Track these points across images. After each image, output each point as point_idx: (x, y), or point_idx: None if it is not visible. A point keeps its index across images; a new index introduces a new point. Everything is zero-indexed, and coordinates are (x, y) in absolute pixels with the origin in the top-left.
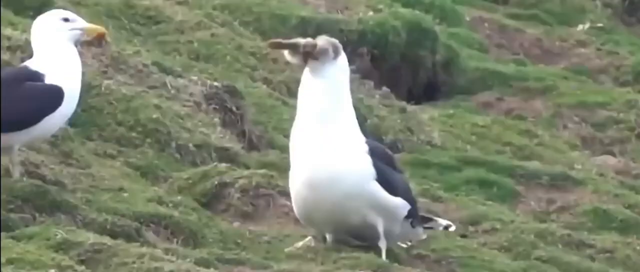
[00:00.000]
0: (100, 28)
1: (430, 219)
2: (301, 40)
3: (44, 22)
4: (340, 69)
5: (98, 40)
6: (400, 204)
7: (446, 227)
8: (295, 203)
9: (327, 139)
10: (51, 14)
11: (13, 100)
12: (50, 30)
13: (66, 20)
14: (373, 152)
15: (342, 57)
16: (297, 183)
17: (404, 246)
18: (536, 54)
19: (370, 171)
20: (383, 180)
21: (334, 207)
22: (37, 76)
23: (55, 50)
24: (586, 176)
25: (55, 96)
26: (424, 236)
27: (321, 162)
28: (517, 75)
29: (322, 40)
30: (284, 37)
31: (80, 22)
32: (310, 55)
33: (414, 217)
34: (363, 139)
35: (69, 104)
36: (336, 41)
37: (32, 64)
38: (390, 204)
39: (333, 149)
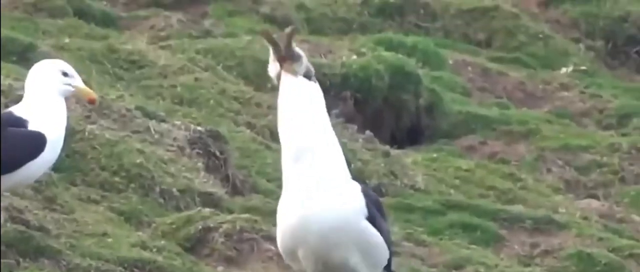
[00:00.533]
0: (92, 93)
1: None
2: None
3: (42, 69)
4: (317, 91)
5: (90, 102)
6: (384, 246)
7: None
8: (282, 235)
9: (319, 173)
10: (53, 63)
11: None
12: (45, 79)
13: (65, 74)
14: (365, 193)
15: (317, 85)
16: (287, 214)
17: None
18: (519, 98)
19: (363, 210)
20: (371, 220)
21: (321, 241)
22: (20, 122)
23: (43, 99)
24: (570, 219)
25: (37, 143)
26: None
27: (314, 195)
28: (500, 119)
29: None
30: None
31: (77, 80)
32: (285, 58)
33: (388, 266)
34: (349, 175)
35: (51, 152)
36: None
37: (16, 109)
38: (376, 242)
39: (326, 184)
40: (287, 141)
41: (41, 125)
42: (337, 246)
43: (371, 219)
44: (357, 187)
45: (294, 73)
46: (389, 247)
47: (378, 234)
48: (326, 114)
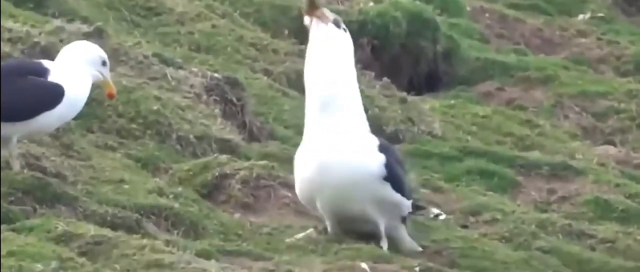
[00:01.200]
0: (113, 89)
1: (423, 207)
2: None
3: (88, 49)
4: (347, 40)
5: (108, 96)
6: (403, 203)
7: (436, 216)
8: (300, 182)
9: (340, 125)
10: (98, 50)
11: (13, 90)
12: (87, 58)
13: (104, 63)
14: (384, 149)
15: (348, 36)
16: (306, 163)
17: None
18: (537, 44)
19: (381, 169)
20: (391, 179)
21: (337, 193)
22: (42, 72)
23: (75, 69)
24: (587, 165)
25: (55, 94)
26: (420, 249)
27: (335, 148)
28: (517, 65)
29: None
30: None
31: (108, 72)
32: (315, 5)
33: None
34: (368, 128)
35: (69, 107)
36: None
37: (44, 62)
38: (393, 200)
39: (347, 138)
40: (312, 89)
41: (62, 80)
42: (354, 200)
43: (390, 177)
44: (375, 142)
45: (325, 19)
46: (409, 199)
47: (396, 194)
48: (353, 65)
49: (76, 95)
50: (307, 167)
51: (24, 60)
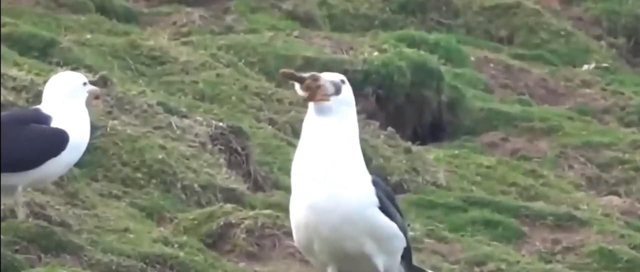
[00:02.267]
0: (97, 91)
1: (418, 269)
2: (306, 75)
3: (64, 80)
4: (343, 103)
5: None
6: (398, 234)
7: None
8: (296, 230)
9: (331, 166)
10: (74, 76)
11: (16, 140)
12: (68, 89)
13: (85, 83)
14: (376, 184)
15: (346, 90)
16: (298, 207)
17: None
18: (541, 94)
19: (372, 198)
20: (383, 210)
21: (332, 232)
22: (44, 119)
23: (67, 103)
24: (591, 216)
25: (59, 140)
26: None
27: (323, 185)
28: (522, 116)
29: (322, 78)
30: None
31: (90, 87)
32: (312, 95)
33: (408, 259)
34: (367, 172)
35: (73, 152)
36: (338, 76)
37: (41, 107)
38: (389, 231)
39: (336, 174)
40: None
41: (64, 124)
42: (350, 236)
43: (382, 208)
44: (366, 177)
45: (327, 98)
46: (405, 236)
47: (390, 222)
48: (354, 120)
49: (80, 137)
50: (298, 211)
51: (24, 109)
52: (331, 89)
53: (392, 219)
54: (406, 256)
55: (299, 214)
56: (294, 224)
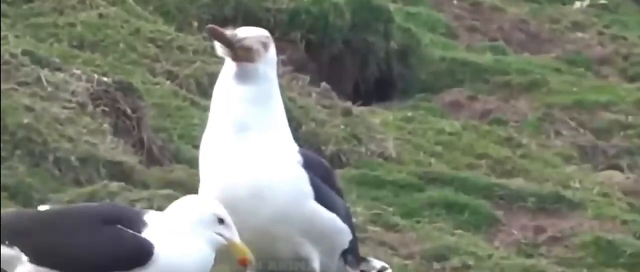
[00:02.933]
0: (247, 253)
1: (363, 260)
2: (234, 36)
3: (192, 205)
4: (268, 64)
5: (240, 263)
6: (342, 228)
7: (381, 271)
8: None
9: (249, 149)
10: (208, 204)
11: (91, 240)
12: (196, 219)
13: (221, 221)
14: (308, 165)
15: (273, 48)
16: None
17: None
18: (520, 40)
19: (306, 188)
20: (321, 201)
21: (256, 235)
22: (137, 223)
23: (179, 226)
24: (585, 196)
25: (139, 253)
26: None
27: (241, 177)
28: (495, 68)
29: (249, 39)
30: (194, 17)
31: (232, 232)
32: (236, 55)
33: (353, 252)
34: (295, 147)
35: None
36: (264, 33)
37: (146, 213)
38: (332, 229)
39: (257, 160)
40: (219, 110)
41: (156, 239)
42: (280, 237)
43: (320, 198)
44: (297, 159)
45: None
46: (350, 227)
47: (330, 214)
48: (276, 84)
49: (171, 261)
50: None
51: (125, 206)
52: (260, 51)
53: (333, 210)
54: (351, 248)
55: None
56: None
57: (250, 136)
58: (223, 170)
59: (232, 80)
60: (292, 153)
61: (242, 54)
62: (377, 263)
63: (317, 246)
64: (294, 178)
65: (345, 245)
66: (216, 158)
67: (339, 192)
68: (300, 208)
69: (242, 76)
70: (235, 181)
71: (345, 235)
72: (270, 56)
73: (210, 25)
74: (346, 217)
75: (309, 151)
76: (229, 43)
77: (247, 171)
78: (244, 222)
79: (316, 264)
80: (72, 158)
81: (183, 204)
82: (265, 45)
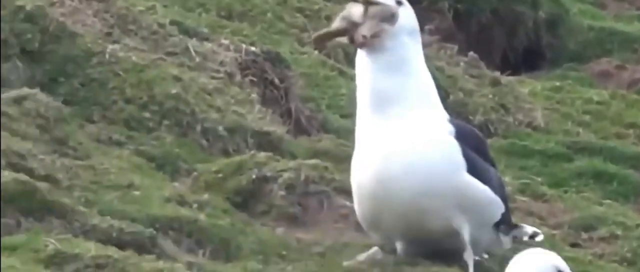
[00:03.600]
0: None
1: (515, 226)
2: (340, 25)
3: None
4: (403, 31)
5: None
6: (495, 200)
7: (533, 236)
8: (359, 202)
9: (401, 121)
10: (549, 258)
11: None
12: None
13: None
14: (460, 135)
15: (405, 14)
16: (362, 176)
17: (482, 258)
18: None
19: (459, 160)
20: (474, 172)
21: (409, 208)
22: None
23: None
24: None
25: None
26: (509, 246)
27: (395, 149)
28: None
29: (365, 27)
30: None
31: None
32: (358, 40)
33: (505, 222)
34: (446, 116)
35: None
36: (387, 9)
37: None
38: (484, 201)
39: (409, 132)
40: (363, 84)
41: None
42: (433, 211)
43: (472, 169)
44: (449, 129)
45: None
46: (502, 199)
47: (483, 186)
48: (418, 49)
49: None
50: (364, 181)
51: None
52: (379, 25)
53: (486, 181)
54: (503, 219)
55: (363, 183)
56: (356, 192)
57: (396, 108)
58: (376, 142)
59: (363, 54)
60: (443, 123)
61: (366, 42)
62: (529, 229)
63: (469, 218)
64: (447, 150)
65: (498, 217)
66: (368, 130)
67: (491, 163)
68: (453, 181)
69: (372, 52)
70: (388, 157)
71: (497, 207)
72: (402, 24)
73: (314, 37)
74: (499, 188)
75: (460, 121)
76: (338, 33)
77: (399, 147)
78: (397, 198)
79: (467, 236)
80: (220, 128)
81: (524, 259)
82: (388, 14)
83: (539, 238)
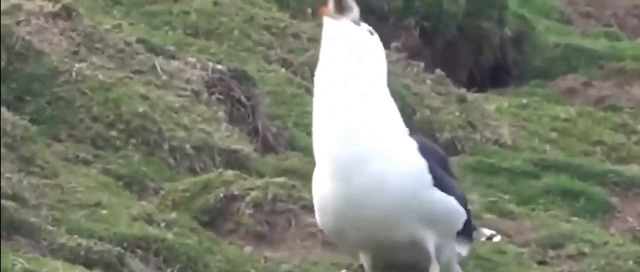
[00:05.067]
0: None
1: (472, 229)
2: None
3: None
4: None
5: None
6: (458, 210)
7: (490, 238)
8: (321, 215)
9: (364, 141)
10: None
11: None
12: None
13: None
14: (424, 151)
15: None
16: (326, 190)
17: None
18: (634, 26)
19: (426, 176)
20: (440, 185)
21: (376, 225)
22: None
23: None
24: None
25: None
26: (465, 254)
27: (361, 164)
28: (609, 54)
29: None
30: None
31: None
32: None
33: (466, 231)
34: (406, 131)
35: None
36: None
37: None
38: (448, 208)
39: (378, 149)
40: (320, 93)
41: None
42: (397, 226)
43: (438, 182)
44: (412, 144)
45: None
46: (465, 207)
47: (448, 197)
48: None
49: None
50: (328, 198)
51: None
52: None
53: (451, 193)
54: (465, 228)
55: (327, 199)
56: (319, 207)
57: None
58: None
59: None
60: (408, 140)
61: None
62: (487, 231)
63: (434, 229)
64: (415, 165)
65: (460, 226)
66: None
67: (454, 178)
68: (420, 196)
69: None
70: (352, 176)
71: (460, 216)
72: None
73: None
74: (462, 198)
75: (423, 138)
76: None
77: (371, 162)
78: (365, 215)
79: (431, 248)
80: (187, 146)
81: None
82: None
83: (496, 239)
